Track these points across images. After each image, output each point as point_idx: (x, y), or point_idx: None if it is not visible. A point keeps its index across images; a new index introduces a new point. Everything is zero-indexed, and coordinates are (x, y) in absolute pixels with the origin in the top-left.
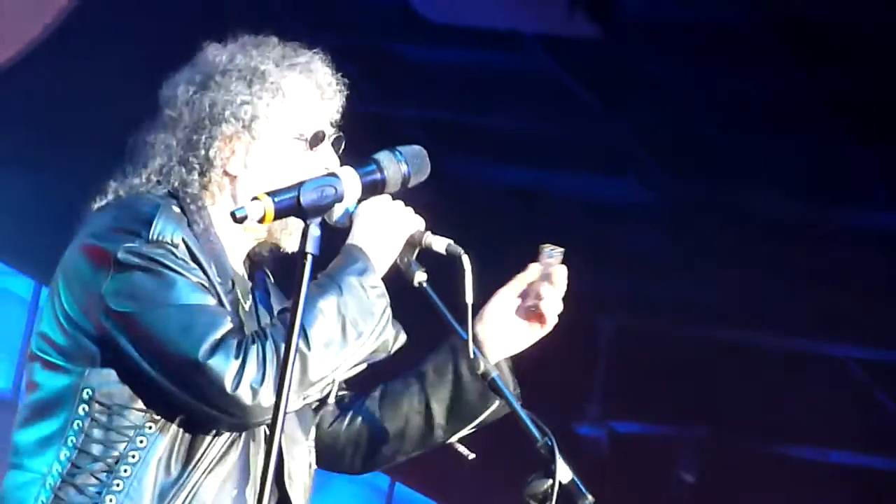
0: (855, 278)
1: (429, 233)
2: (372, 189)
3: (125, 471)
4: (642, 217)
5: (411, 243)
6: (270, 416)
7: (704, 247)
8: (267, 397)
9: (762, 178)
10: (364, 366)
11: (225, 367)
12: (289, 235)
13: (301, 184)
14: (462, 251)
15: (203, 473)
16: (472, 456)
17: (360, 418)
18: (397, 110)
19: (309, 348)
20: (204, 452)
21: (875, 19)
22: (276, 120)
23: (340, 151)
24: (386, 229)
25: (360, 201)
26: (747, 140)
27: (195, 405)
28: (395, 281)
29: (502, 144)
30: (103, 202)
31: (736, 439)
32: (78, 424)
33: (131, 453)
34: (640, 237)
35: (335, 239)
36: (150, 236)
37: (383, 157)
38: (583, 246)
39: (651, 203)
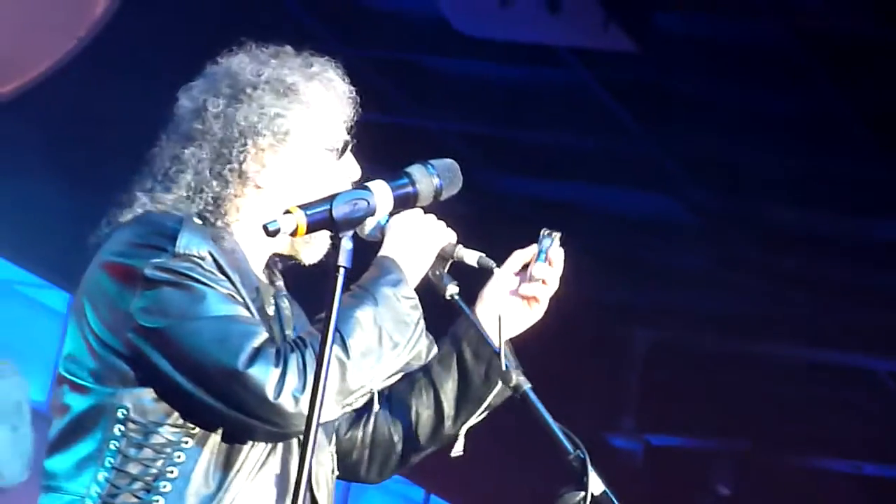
0: (890, 292)
1: (460, 246)
2: (404, 202)
3: (164, 487)
4: (677, 231)
5: (443, 256)
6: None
7: (739, 261)
8: (308, 405)
9: (796, 194)
10: (399, 376)
11: (266, 375)
12: (310, 248)
13: (333, 197)
14: (494, 264)
15: (242, 483)
16: (460, 451)
17: (372, 422)
18: (432, 123)
19: (348, 357)
20: (243, 463)
21: None
22: (307, 132)
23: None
24: (418, 242)
25: (391, 214)
26: (781, 156)
27: (235, 416)
28: (424, 293)
29: (536, 158)
30: (130, 216)
31: (770, 452)
32: (114, 445)
33: (170, 469)
34: (674, 251)
35: (366, 252)
36: (176, 250)
37: (415, 170)
38: (617, 260)
39: (686, 217)
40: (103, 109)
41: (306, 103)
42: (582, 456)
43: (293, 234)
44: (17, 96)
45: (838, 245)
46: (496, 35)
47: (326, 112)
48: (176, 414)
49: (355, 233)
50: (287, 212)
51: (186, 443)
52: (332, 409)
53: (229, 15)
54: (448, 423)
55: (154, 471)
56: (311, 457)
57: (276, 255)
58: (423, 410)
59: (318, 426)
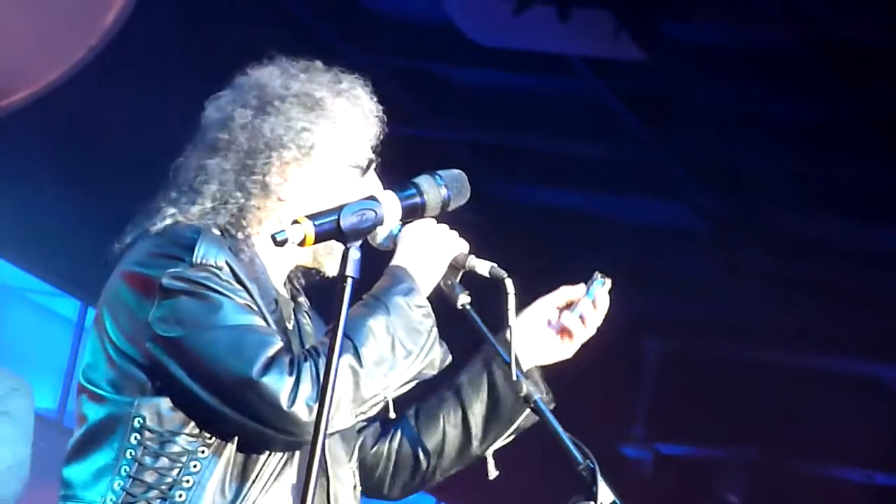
0: None
1: (472, 256)
2: (411, 213)
3: (180, 496)
4: (688, 240)
5: (455, 266)
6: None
7: (749, 269)
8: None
9: (807, 201)
10: (413, 384)
11: (280, 384)
12: (333, 259)
13: (341, 207)
14: (505, 274)
15: (258, 494)
16: (495, 473)
17: (399, 438)
18: (445, 132)
19: (361, 365)
20: (259, 473)
21: None
22: (332, 147)
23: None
24: (430, 251)
25: (401, 225)
26: (792, 163)
27: (249, 425)
28: (436, 303)
29: (548, 167)
30: (155, 227)
31: (780, 461)
32: (130, 454)
33: (185, 479)
34: (685, 260)
35: (380, 261)
36: (194, 260)
37: (423, 181)
38: (628, 268)
39: (697, 226)
40: (115, 117)
41: (333, 119)
42: (591, 466)
43: (301, 244)
44: (28, 104)
45: (849, 252)
46: (508, 44)
47: (352, 129)
48: (192, 423)
49: (367, 242)
50: (295, 222)
51: (202, 452)
52: (346, 417)
53: (240, 27)
54: (475, 443)
55: (170, 480)
56: (319, 465)
57: (299, 266)
58: (450, 430)
59: (325, 435)
